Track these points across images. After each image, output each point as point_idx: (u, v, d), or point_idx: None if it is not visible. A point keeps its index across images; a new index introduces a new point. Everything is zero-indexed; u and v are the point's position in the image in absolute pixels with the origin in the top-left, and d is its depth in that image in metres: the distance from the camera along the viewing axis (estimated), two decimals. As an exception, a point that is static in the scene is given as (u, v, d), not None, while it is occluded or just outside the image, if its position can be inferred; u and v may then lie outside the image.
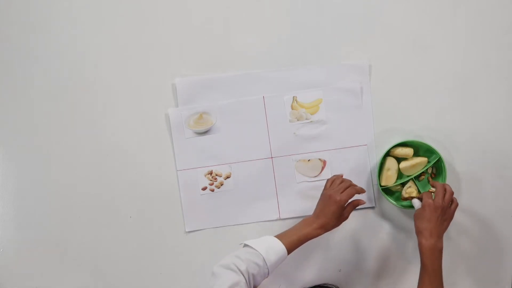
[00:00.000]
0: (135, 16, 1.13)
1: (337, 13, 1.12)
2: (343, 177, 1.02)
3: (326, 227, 0.95)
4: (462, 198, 1.12)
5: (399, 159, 1.10)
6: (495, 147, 1.12)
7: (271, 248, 0.89)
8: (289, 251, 0.92)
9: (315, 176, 1.13)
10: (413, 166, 1.09)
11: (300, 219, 1.12)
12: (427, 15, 1.12)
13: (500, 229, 1.13)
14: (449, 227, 1.12)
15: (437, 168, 1.11)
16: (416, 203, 1.03)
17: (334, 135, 1.12)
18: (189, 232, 1.14)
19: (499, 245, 1.13)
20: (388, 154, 1.10)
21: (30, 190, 1.14)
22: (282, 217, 1.13)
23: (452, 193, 0.98)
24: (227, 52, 1.13)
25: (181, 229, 1.14)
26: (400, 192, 1.12)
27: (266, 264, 0.87)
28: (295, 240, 0.93)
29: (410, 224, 1.13)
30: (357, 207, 1.00)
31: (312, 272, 1.13)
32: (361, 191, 0.99)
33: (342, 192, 0.96)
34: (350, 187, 0.97)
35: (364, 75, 1.12)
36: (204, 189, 1.13)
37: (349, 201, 0.97)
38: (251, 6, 1.12)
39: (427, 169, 1.10)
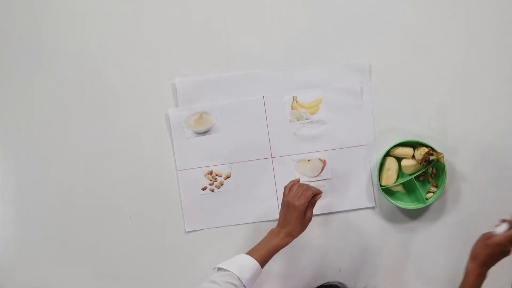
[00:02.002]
0: (135, 16, 1.13)
1: (337, 13, 1.12)
2: (300, 181, 1.03)
3: (293, 234, 0.97)
4: (462, 198, 1.12)
5: (399, 159, 1.10)
6: (495, 147, 1.12)
7: (243, 266, 0.91)
8: (262, 264, 0.94)
9: (315, 176, 1.13)
10: (413, 165, 1.08)
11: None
12: (427, 15, 1.12)
13: (500, 229, 1.12)
14: (449, 226, 1.13)
15: (437, 168, 1.11)
16: (503, 227, 0.92)
17: (334, 135, 1.12)
18: (189, 232, 1.14)
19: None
20: (388, 154, 1.10)
21: (30, 190, 1.14)
22: (282, 217, 1.13)
23: None
24: (227, 52, 1.13)
25: (181, 229, 1.14)
26: (400, 192, 1.12)
27: (242, 282, 0.89)
28: (265, 253, 0.95)
29: (410, 224, 1.13)
30: (316, 201, 1.01)
31: (312, 272, 1.13)
32: (317, 191, 1.00)
33: (299, 197, 0.97)
34: (305, 190, 0.98)
35: (364, 75, 1.12)
36: (204, 189, 1.13)
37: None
38: (251, 6, 1.12)
39: (427, 169, 1.10)
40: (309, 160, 1.13)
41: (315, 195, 1.01)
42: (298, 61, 1.13)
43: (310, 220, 0.99)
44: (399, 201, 1.11)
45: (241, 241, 1.13)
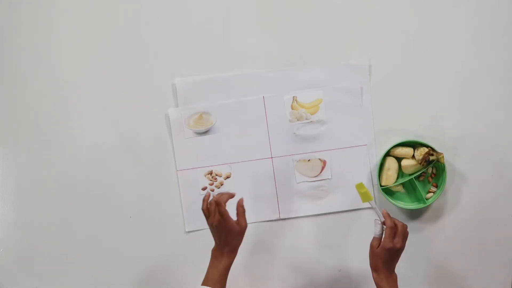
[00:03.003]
0: (135, 16, 1.13)
1: (337, 13, 1.12)
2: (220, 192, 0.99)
3: (235, 248, 0.95)
4: (462, 198, 1.12)
5: (399, 159, 1.10)
6: (495, 147, 1.12)
7: None
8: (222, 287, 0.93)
9: (315, 176, 1.13)
10: (413, 165, 1.08)
11: (300, 219, 1.13)
12: (427, 15, 1.12)
13: (500, 229, 1.13)
14: (448, 227, 1.13)
15: (437, 168, 1.11)
16: (377, 229, 0.94)
17: (334, 135, 1.12)
18: (189, 232, 1.14)
19: (499, 245, 1.13)
20: (388, 154, 1.10)
21: (30, 190, 1.14)
22: (282, 217, 1.13)
23: (404, 233, 0.92)
24: (227, 52, 1.13)
25: (181, 229, 1.14)
26: (400, 192, 1.12)
27: None
28: (219, 278, 0.93)
29: (410, 224, 1.13)
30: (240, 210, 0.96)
31: (312, 272, 1.13)
32: (228, 197, 0.95)
33: (215, 216, 0.92)
34: (215, 205, 0.92)
35: (364, 75, 1.12)
36: (204, 189, 1.13)
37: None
38: (251, 6, 1.12)
39: (427, 169, 1.10)
40: (309, 160, 1.13)
41: (237, 204, 0.95)
42: (298, 61, 1.13)
43: (245, 227, 0.95)
44: (399, 201, 1.11)
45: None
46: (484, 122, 1.12)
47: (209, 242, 1.13)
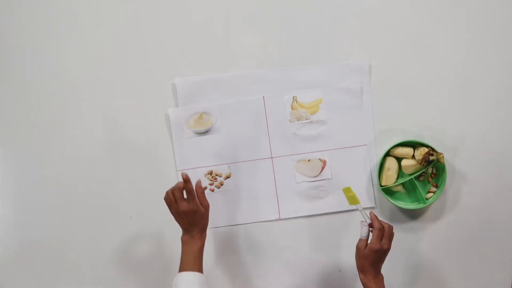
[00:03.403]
0: (135, 16, 1.13)
1: (337, 13, 1.12)
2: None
3: (204, 228, 0.98)
4: (462, 198, 1.12)
5: (399, 159, 1.10)
6: (495, 147, 1.12)
7: (187, 285, 0.92)
8: (200, 270, 0.95)
9: (315, 176, 1.13)
10: (413, 165, 1.08)
11: (299, 219, 1.13)
12: (427, 15, 1.12)
13: (500, 229, 1.13)
14: (448, 227, 1.13)
15: (437, 168, 1.11)
16: (364, 231, 0.95)
17: (334, 135, 1.12)
18: (189, 232, 1.14)
19: (499, 245, 1.13)
20: (388, 154, 1.10)
21: (30, 190, 1.14)
22: (282, 217, 1.13)
23: (391, 235, 0.95)
24: (227, 52, 1.13)
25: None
26: (400, 192, 1.12)
27: None
28: (194, 260, 0.95)
29: (410, 224, 1.13)
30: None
31: (312, 272, 1.13)
32: (186, 179, 0.96)
33: (183, 200, 0.95)
34: (177, 190, 0.95)
35: (364, 75, 1.12)
36: (204, 189, 1.13)
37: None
38: (251, 6, 1.12)
39: (427, 169, 1.10)
40: (309, 160, 1.13)
41: (196, 184, 0.98)
42: (298, 61, 1.13)
43: (208, 206, 0.99)
44: (399, 201, 1.11)
45: (241, 241, 1.13)
46: (484, 122, 1.12)
47: (209, 242, 1.14)
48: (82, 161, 1.13)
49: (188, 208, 0.95)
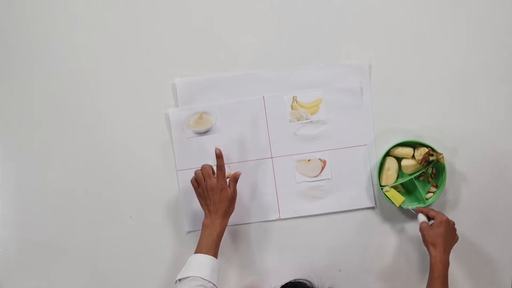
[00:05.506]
0: (135, 16, 1.13)
1: (337, 13, 1.12)
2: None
3: (227, 214, 1.00)
4: (462, 198, 1.12)
5: (399, 159, 1.10)
6: (495, 147, 1.12)
7: (200, 265, 0.94)
8: (215, 255, 0.96)
9: (315, 176, 1.13)
10: (413, 165, 1.08)
11: (299, 219, 1.13)
12: (427, 15, 1.12)
13: (500, 229, 1.13)
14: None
15: (437, 168, 1.11)
16: (422, 217, 1.05)
17: (334, 135, 1.12)
18: (189, 232, 1.14)
19: (499, 245, 1.13)
20: (388, 154, 1.10)
21: (30, 190, 1.14)
22: (282, 217, 1.13)
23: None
24: (227, 52, 1.13)
25: (181, 229, 1.14)
26: (400, 192, 1.12)
27: (206, 279, 0.91)
28: (212, 244, 0.97)
29: (410, 224, 1.13)
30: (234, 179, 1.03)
31: (312, 272, 1.13)
32: (218, 154, 0.99)
33: (211, 177, 0.98)
34: (207, 167, 0.99)
35: (364, 75, 1.12)
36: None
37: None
38: (251, 6, 1.12)
39: (427, 169, 1.10)
40: (309, 160, 1.13)
41: (235, 173, 1.03)
42: (298, 61, 1.13)
43: (236, 195, 1.01)
44: (399, 201, 1.11)
45: (241, 241, 1.13)
46: (484, 122, 1.12)
47: (209, 242, 1.13)
48: (82, 161, 1.13)
49: (216, 185, 0.97)
